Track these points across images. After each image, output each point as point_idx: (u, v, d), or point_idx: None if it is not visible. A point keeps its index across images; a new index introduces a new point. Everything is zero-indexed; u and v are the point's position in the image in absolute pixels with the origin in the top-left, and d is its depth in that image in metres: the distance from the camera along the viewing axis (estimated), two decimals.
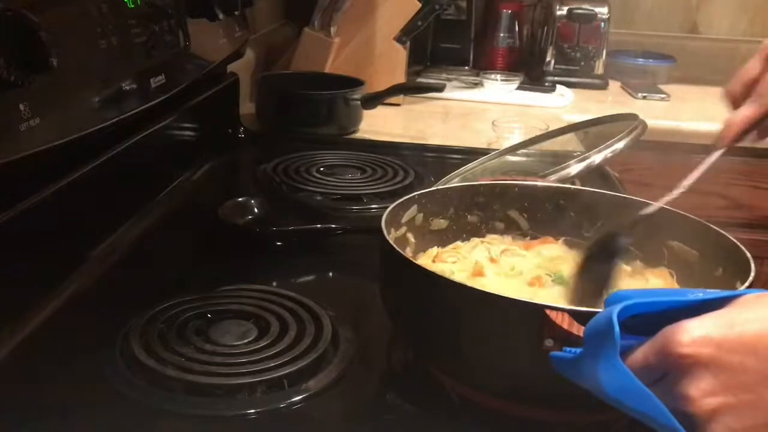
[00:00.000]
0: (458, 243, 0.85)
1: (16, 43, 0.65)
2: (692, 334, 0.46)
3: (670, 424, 0.46)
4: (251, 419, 0.65)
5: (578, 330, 0.54)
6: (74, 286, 0.83)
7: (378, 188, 1.19)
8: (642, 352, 0.48)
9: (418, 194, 0.82)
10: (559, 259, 0.81)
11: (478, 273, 0.77)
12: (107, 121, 0.85)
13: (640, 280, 0.78)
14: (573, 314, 0.55)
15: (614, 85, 2.08)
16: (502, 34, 2.12)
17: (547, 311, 0.56)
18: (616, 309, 0.48)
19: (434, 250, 0.83)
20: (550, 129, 1.26)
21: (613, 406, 0.49)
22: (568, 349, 0.53)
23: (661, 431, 0.47)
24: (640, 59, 2.14)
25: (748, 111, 0.76)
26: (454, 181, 1.07)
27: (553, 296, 0.74)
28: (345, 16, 1.69)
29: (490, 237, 0.86)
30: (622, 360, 0.48)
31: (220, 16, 1.14)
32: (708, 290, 0.51)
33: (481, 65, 2.13)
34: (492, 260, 0.80)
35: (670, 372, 0.47)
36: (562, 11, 2.02)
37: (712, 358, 0.46)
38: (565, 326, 0.54)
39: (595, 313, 0.51)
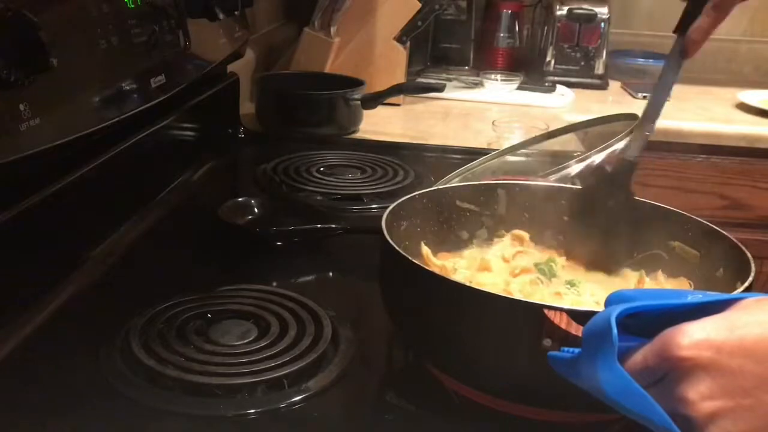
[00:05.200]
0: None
1: (16, 43, 0.65)
2: (692, 336, 0.46)
3: (668, 427, 0.46)
4: (251, 419, 0.65)
5: (576, 330, 0.54)
6: (74, 286, 0.83)
7: (378, 188, 1.19)
8: (641, 354, 0.48)
9: (418, 194, 0.82)
10: (569, 263, 0.81)
11: (485, 268, 0.78)
12: (107, 121, 0.85)
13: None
14: (571, 314, 0.55)
15: (614, 85, 2.08)
16: (502, 34, 2.12)
17: (546, 311, 0.56)
18: (615, 311, 0.48)
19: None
20: (550, 129, 1.26)
21: (612, 407, 0.49)
22: (566, 349, 0.53)
23: None
24: (640, 59, 2.14)
25: (706, 21, 0.79)
26: (454, 181, 1.07)
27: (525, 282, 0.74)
28: (345, 16, 1.69)
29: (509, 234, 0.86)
30: (622, 361, 0.48)
31: (220, 16, 1.14)
32: (708, 292, 0.50)
33: (481, 65, 2.13)
34: (504, 260, 0.80)
35: (669, 374, 0.47)
36: (562, 11, 2.02)
37: (712, 362, 0.46)
38: (564, 326, 0.54)
39: (594, 313, 0.51)
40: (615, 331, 0.47)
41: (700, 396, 0.46)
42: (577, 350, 0.52)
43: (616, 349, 0.48)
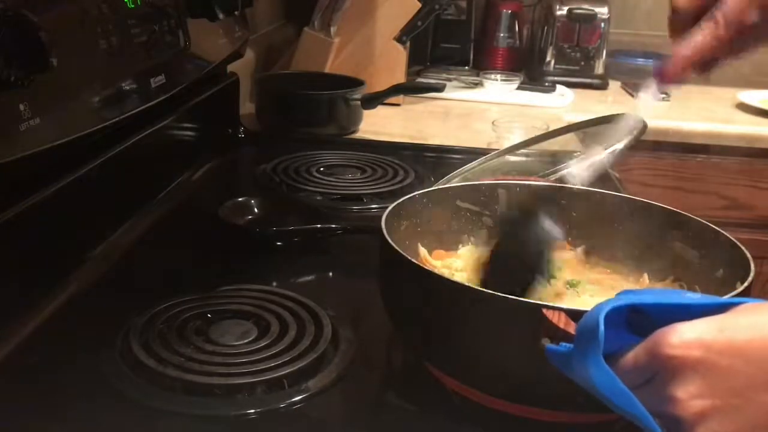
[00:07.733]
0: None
1: (16, 43, 0.65)
2: (682, 335, 0.46)
3: (650, 427, 0.46)
4: (251, 419, 0.65)
5: (574, 329, 0.54)
6: (74, 286, 0.83)
7: (378, 188, 1.19)
8: (633, 353, 0.48)
9: (418, 194, 0.82)
10: (568, 264, 0.81)
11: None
12: (107, 121, 0.85)
13: None
14: (570, 314, 0.55)
15: (614, 85, 2.09)
16: (502, 34, 2.12)
17: (544, 310, 0.56)
18: (605, 309, 0.48)
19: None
20: (550, 129, 1.26)
21: (605, 404, 0.49)
22: (562, 343, 0.53)
23: None
24: (640, 59, 2.14)
25: (699, 38, 0.63)
26: (454, 181, 1.07)
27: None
28: (345, 16, 1.69)
29: None
30: (616, 359, 0.48)
31: (220, 16, 1.14)
32: (706, 295, 0.51)
33: (481, 65, 2.13)
34: None
35: (658, 373, 0.47)
36: (562, 11, 2.02)
37: (700, 361, 0.45)
38: (562, 325, 0.54)
39: None
40: (602, 328, 0.47)
41: (689, 395, 0.46)
42: (572, 345, 0.52)
43: (601, 347, 0.48)
